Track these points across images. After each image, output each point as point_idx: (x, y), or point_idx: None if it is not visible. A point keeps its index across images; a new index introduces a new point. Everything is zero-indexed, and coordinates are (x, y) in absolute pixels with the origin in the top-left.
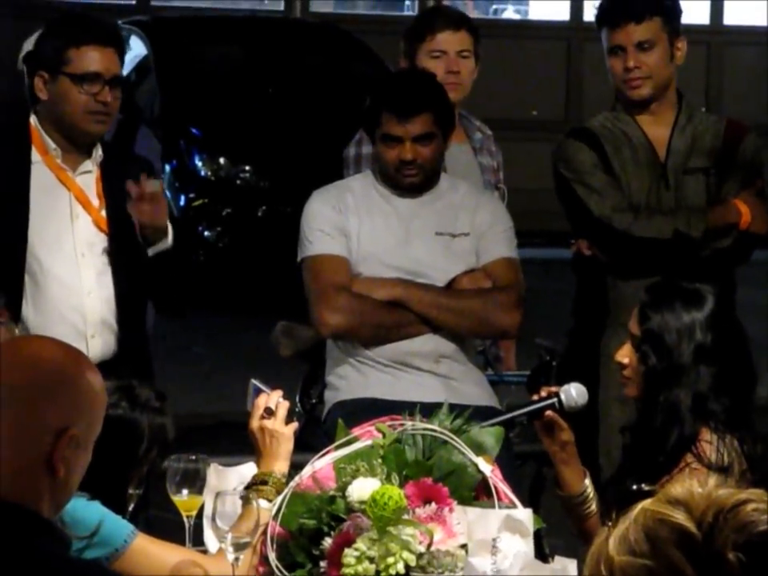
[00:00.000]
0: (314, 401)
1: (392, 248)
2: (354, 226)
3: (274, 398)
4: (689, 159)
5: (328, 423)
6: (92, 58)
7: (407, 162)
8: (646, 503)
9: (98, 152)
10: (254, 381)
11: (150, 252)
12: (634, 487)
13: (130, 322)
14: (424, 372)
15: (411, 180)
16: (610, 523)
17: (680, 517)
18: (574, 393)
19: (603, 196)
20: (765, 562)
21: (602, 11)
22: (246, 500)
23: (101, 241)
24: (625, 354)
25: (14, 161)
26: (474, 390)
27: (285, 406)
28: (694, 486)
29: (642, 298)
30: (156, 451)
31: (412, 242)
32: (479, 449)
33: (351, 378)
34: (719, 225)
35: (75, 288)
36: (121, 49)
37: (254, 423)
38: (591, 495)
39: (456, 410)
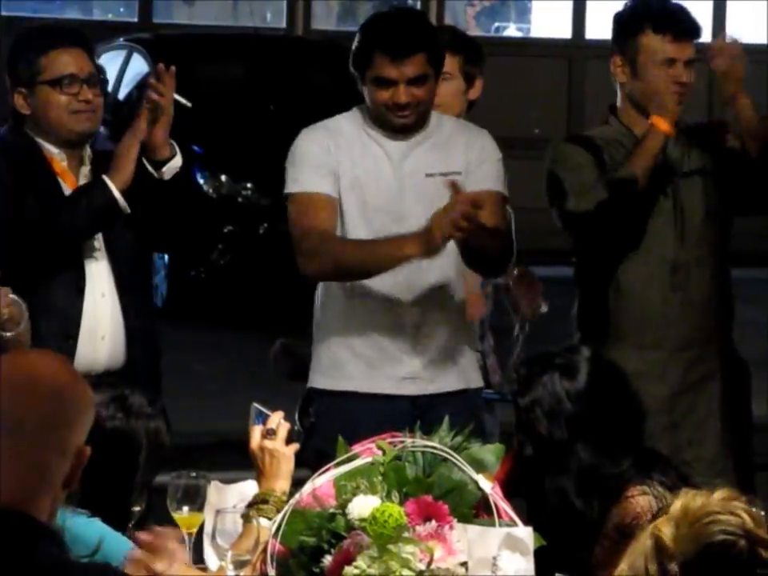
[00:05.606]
0: (312, 419)
1: (381, 192)
2: (344, 167)
3: (275, 419)
4: (683, 163)
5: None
6: (63, 61)
7: (401, 105)
8: (660, 522)
9: (87, 152)
10: (255, 404)
11: (166, 175)
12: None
13: (135, 321)
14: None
15: (403, 121)
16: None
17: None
18: None
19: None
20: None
21: (662, 16)
22: (246, 518)
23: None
24: None
25: (37, 170)
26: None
27: (286, 426)
28: (695, 501)
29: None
30: (153, 455)
31: (403, 187)
32: (479, 466)
33: (331, 366)
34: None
35: (89, 291)
36: (88, 48)
37: (254, 444)
38: None
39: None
